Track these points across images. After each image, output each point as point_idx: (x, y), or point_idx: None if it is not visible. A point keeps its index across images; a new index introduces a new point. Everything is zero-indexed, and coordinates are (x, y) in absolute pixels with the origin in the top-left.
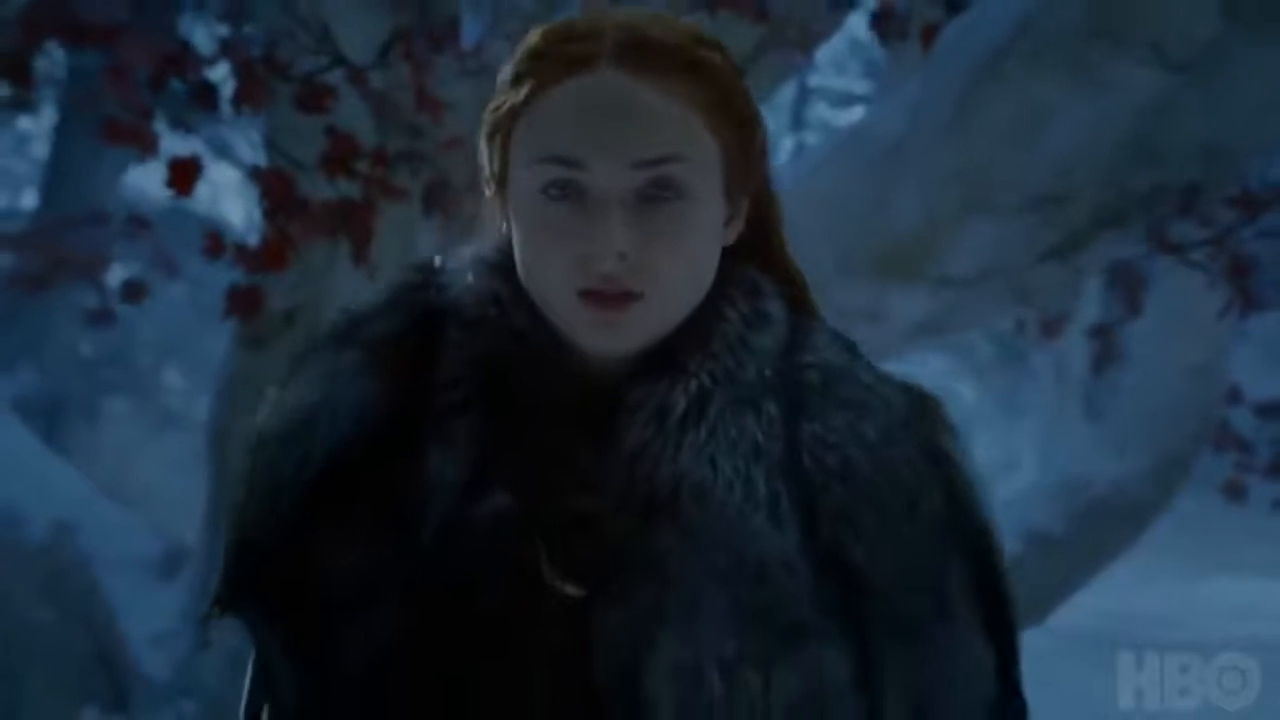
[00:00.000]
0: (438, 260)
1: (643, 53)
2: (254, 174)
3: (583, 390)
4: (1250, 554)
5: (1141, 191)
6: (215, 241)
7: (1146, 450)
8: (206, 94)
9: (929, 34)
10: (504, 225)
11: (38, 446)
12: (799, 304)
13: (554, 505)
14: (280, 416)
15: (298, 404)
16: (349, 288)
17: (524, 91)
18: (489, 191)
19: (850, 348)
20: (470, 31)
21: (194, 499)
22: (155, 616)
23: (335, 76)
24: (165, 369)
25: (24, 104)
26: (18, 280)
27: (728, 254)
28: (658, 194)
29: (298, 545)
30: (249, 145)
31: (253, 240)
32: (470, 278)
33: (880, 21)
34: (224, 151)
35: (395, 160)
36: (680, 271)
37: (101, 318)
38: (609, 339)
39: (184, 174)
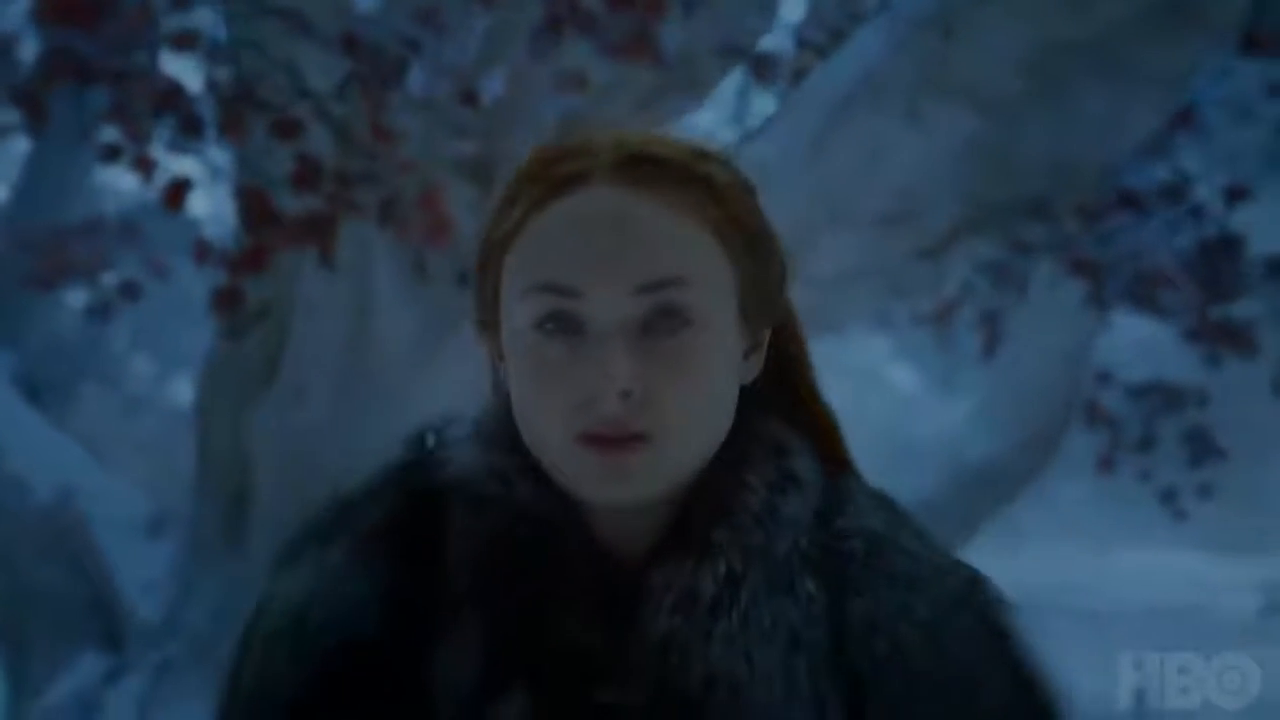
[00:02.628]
0: (431, 437)
1: (641, 165)
2: (237, 193)
3: (599, 570)
4: (1152, 529)
5: (997, 201)
6: (203, 249)
7: (1017, 427)
8: (195, 125)
9: (797, 77)
10: (499, 369)
11: (39, 419)
12: (831, 457)
13: (576, 703)
14: (268, 618)
15: (286, 604)
16: (314, 286)
17: (514, 217)
18: (481, 333)
19: (891, 508)
20: (416, 75)
21: (162, 474)
22: (145, 569)
23: (303, 110)
24: (134, 357)
25: (34, 131)
26: (29, 281)
27: (749, 402)
28: (664, 322)
29: None
30: (225, 165)
31: (232, 246)
32: (470, 453)
33: (760, 67)
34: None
35: (354, 180)
36: (693, 409)
37: (100, 313)
38: (615, 488)
39: (176, 193)
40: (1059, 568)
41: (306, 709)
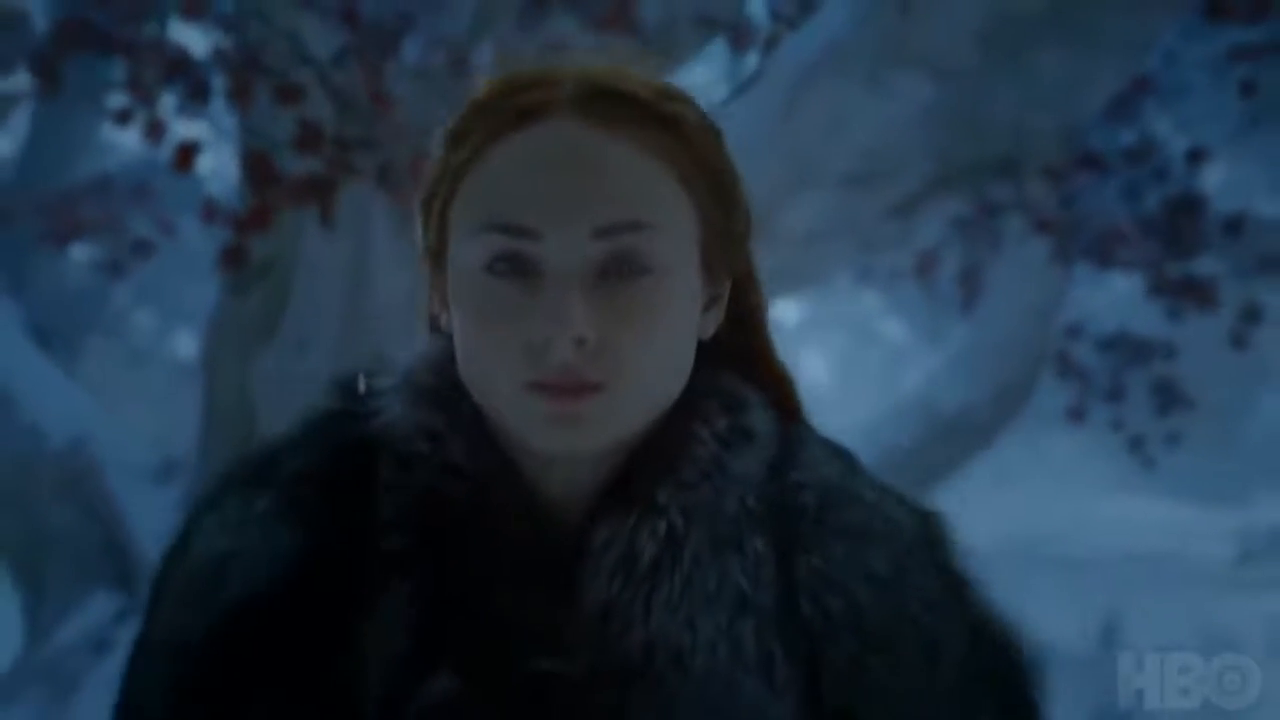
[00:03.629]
0: (363, 383)
1: (606, 101)
2: (242, 156)
3: (537, 533)
4: (1126, 478)
5: (964, 162)
6: (210, 208)
7: (989, 378)
8: (202, 91)
9: (770, 46)
10: (443, 312)
11: (51, 369)
12: (787, 410)
13: (511, 677)
14: (182, 570)
15: (203, 555)
16: (314, 244)
17: (465, 149)
18: (424, 270)
19: (847, 459)
20: (411, 45)
21: (166, 424)
22: (154, 513)
23: (305, 77)
24: (138, 311)
25: (48, 97)
26: (43, 238)
27: (704, 355)
28: (624, 268)
29: None
30: (229, 128)
31: (236, 206)
32: (398, 405)
33: (737, 37)
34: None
35: (353, 145)
36: (650, 359)
37: (111, 269)
38: (566, 437)
39: (185, 155)
40: (1036, 517)
41: (218, 667)
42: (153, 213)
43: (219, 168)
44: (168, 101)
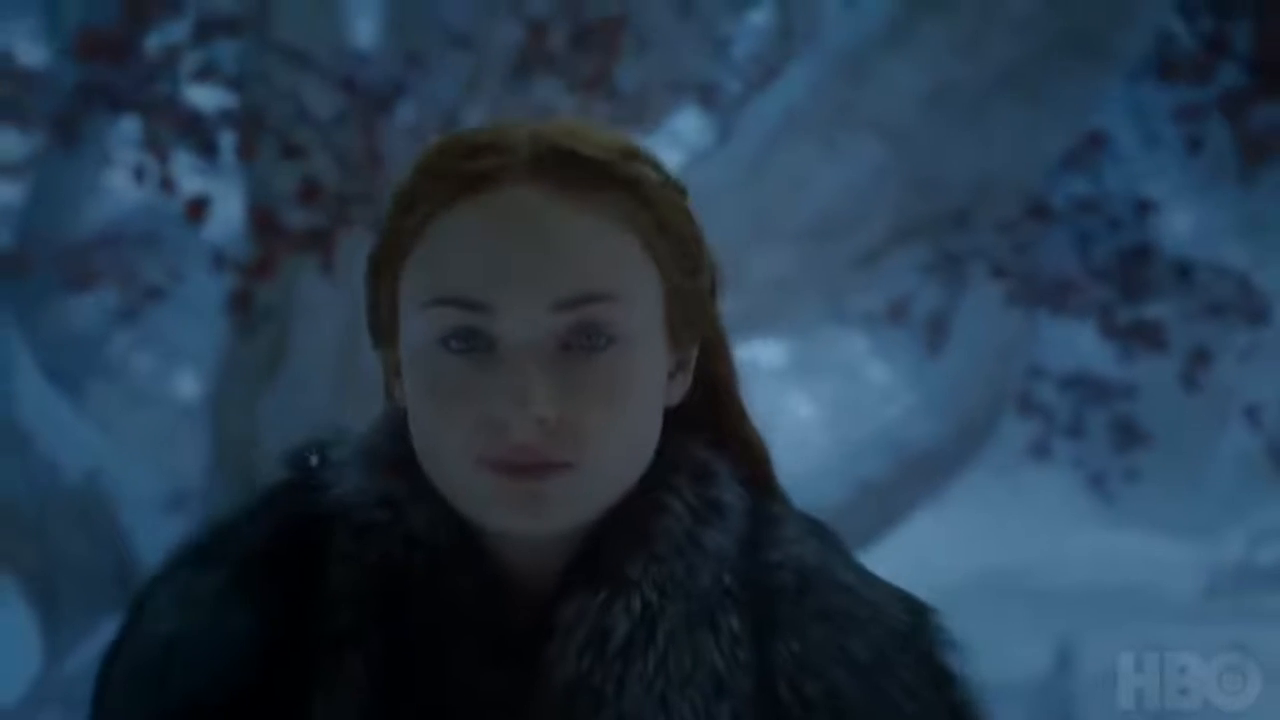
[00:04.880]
0: (315, 457)
1: (562, 164)
2: (249, 209)
3: (499, 608)
4: (1091, 513)
5: (921, 216)
6: (218, 258)
7: (953, 416)
8: (212, 149)
9: (737, 108)
10: (396, 383)
11: (65, 407)
12: (759, 482)
13: None
14: (127, 654)
15: (149, 639)
16: (314, 290)
17: (414, 217)
18: (375, 346)
19: (825, 538)
20: (405, 107)
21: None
22: (164, 541)
23: (306, 136)
24: (138, 354)
25: (68, 149)
26: (63, 286)
27: (671, 424)
28: (586, 340)
29: None
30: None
31: (241, 255)
32: (355, 475)
33: (705, 100)
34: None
35: (351, 199)
36: (617, 435)
37: (127, 316)
38: (528, 519)
39: (197, 209)
40: (1003, 550)
41: None
42: (163, 261)
43: (222, 219)
44: (178, 157)
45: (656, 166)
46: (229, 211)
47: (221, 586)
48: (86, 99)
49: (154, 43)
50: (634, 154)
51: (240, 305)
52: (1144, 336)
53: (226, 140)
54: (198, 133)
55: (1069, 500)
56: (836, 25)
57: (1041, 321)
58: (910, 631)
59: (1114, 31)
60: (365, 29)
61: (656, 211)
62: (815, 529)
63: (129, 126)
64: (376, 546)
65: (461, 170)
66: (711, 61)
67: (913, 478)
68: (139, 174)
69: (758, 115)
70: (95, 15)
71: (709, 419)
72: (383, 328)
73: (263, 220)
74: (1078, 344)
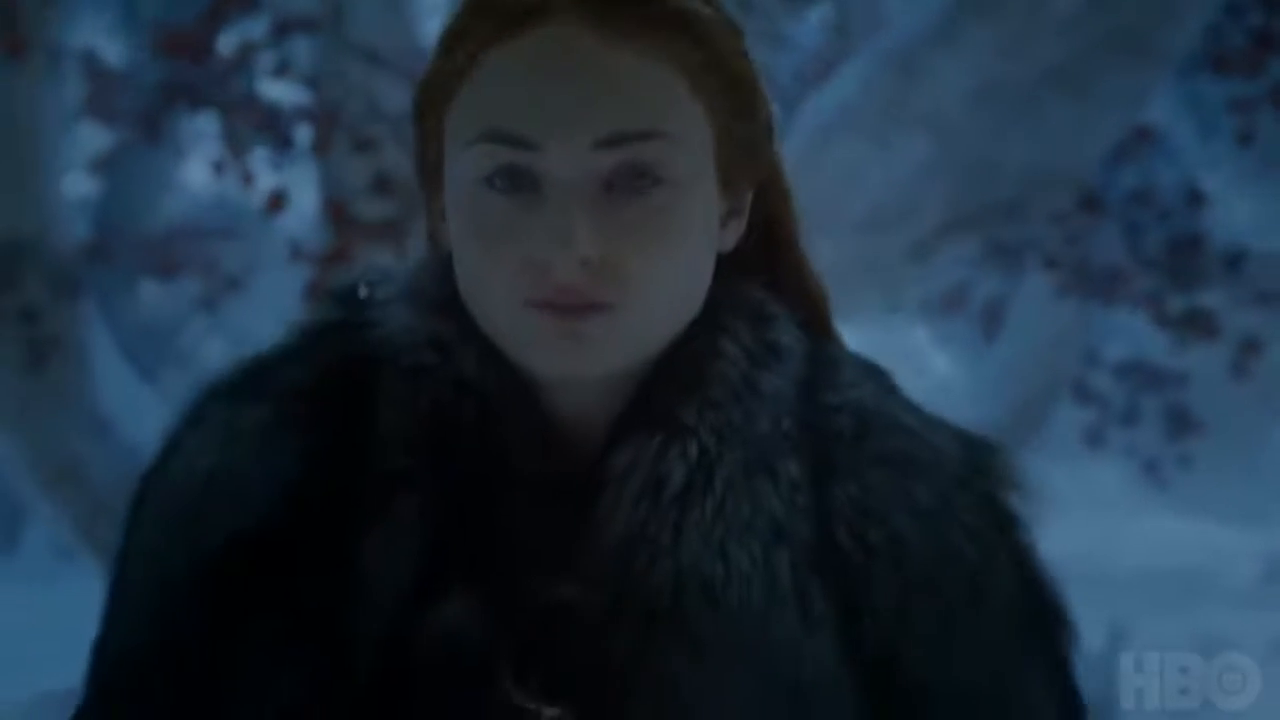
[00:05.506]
0: (364, 289)
1: (611, 1)
2: (325, 201)
3: (553, 454)
4: (1148, 500)
5: (973, 209)
6: (295, 249)
7: (1007, 403)
8: (288, 143)
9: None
10: (441, 226)
11: (148, 393)
12: (818, 326)
13: (528, 605)
14: (164, 489)
15: (187, 473)
16: None
17: (460, 55)
18: (422, 188)
19: (884, 380)
20: None
21: None
22: None
23: (378, 130)
24: (207, 344)
25: (152, 144)
26: (148, 272)
27: (726, 265)
28: (632, 181)
29: (191, 664)
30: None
31: (318, 246)
32: (403, 313)
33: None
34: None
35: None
36: (661, 279)
37: (207, 304)
38: (570, 360)
39: (277, 201)
40: (1062, 536)
41: (205, 604)
42: (239, 252)
43: (296, 211)
44: (254, 151)
45: (712, 3)
46: (303, 204)
47: (266, 421)
48: (169, 96)
49: (231, 41)
50: None
51: (317, 295)
52: (1195, 325)
53: (302, 135)
54: (274, 128)
55: (1124, 487)
56: (888, 24)
57: (1096, 310)
58: (972, 472)
59: (1160, 29)
60: (434, 28)
61: (708, 50)
62: (873, 372)
63: (204, 121)
64: (427, 391)
65: (507, 6)
66: (770, 57)
67: None
68: (218, 168)
69: (813, 111)
70: (171, 12)
71: (765, 263)
72: (428, 170)
73: (337, 212)
74: (1132, 333)
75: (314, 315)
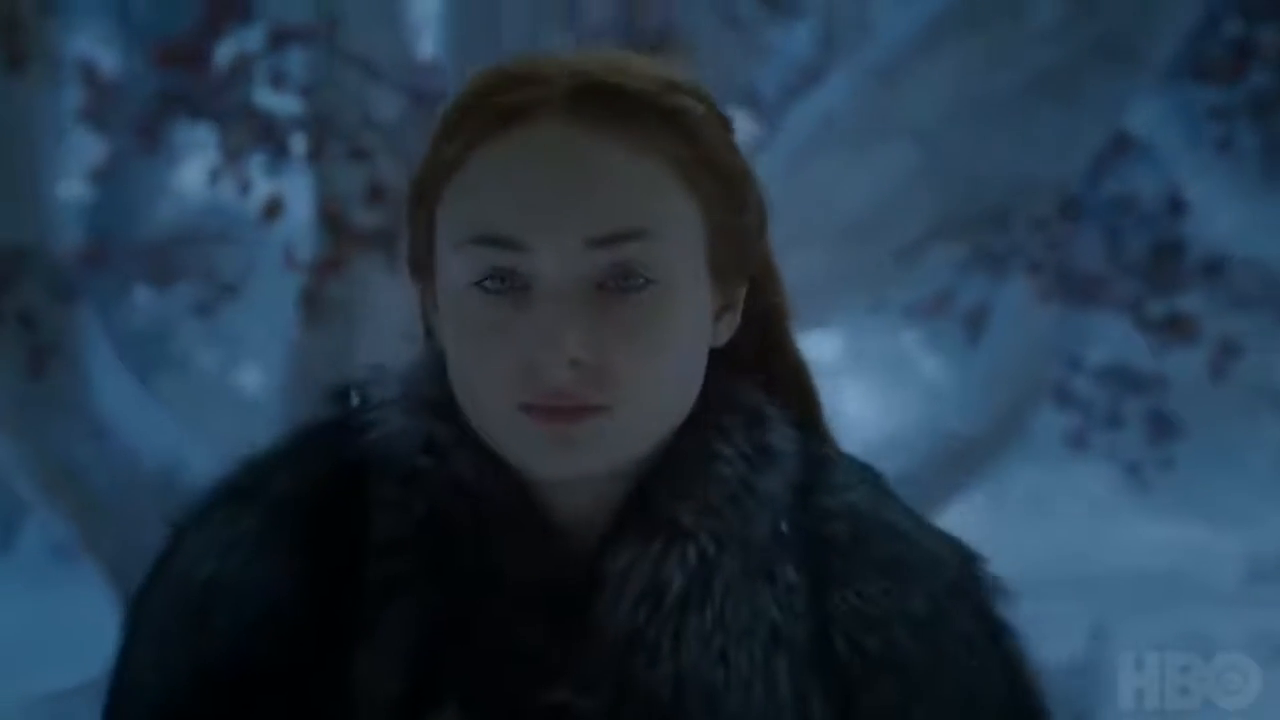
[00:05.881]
0: (356, 395)
1: (601, 98)
2: (319, 209)
3: (549, 553)
4: (1130, 502)
5: (956, 216)
6: (291, 257)
7: (989, 406)
8: (283, 151)
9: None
10: (433, 321)
11: (146, 398)
12: (810, 427)
13: (524, 711)
14: (162, 597)
15: (186, 581)
16: (381, 287)
17: (451, 151)
18: (414, 281)
19: (876, 483)
20: None
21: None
22: None
23: (372, 140)
24: (201, 350)
25: (150, 154)
26: (145, 278)
27: (719, 361)
28: (623, 280)
29: None
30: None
31: (309, 255)
32: (398, 416)
33: (751, 105)
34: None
35: None
36: (653, 380)
37: (204, 310)
38: (564, 461)
39: (273, 209)
40: (1044, 539)
41: (203, 702)
42: (234, 259)
43: (290, 219)
44: (252, 160)
45: (701, 98)
46: (298, 211)
47: (261, 528)
48: (166, 105)
49: (228, 51)
50: (677, 86)
51: (310, 301)
52: (1175, 330)
53: (297, 143)
54: (270, 137)
55: (1108, 489)
56: (872, 35)
57: (1079, 315)
58: (964, 581)
59: (1141, 37)
60: (428, 41)
61: (699, 146)
62: (866, 474)
63: (200, 129)
64: (423, 495)
65: (497, 104)
66: (756, 68)
67: (950, 466)
68: (214, 176)
69: (798, 120)
70: (168, 23)
71: (759, 358)
72: (420, 261)
73: (332, 220)
74: (1115, 337)
75: (310, 419)
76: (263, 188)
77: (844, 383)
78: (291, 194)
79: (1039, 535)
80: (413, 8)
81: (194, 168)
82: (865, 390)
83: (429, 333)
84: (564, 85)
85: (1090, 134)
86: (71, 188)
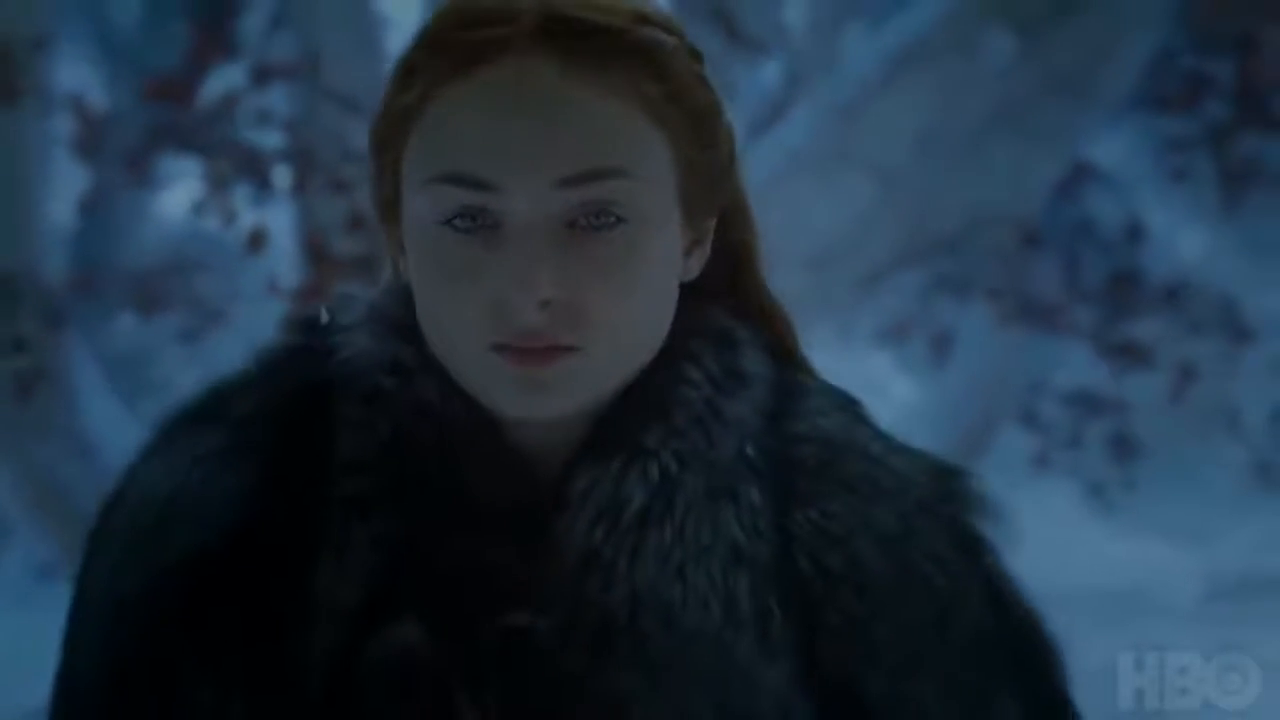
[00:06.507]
0: (325, 315)
1: (570, 34)
2: (304, 239)
3: (511, 479)
4: (1091, 522)
5: (915, 245)
6: (274, 285)
7: (954, 428)
8: (267, 183)
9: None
10: (400, 259)
11: (134, 422)
12: (783, 354)
13: (480, 630)
14: (122, 514)
15: (144, 500)
16: None
17: (415, 90)
18: (381, 221)
19: (851, 409)
20: None
21: None
22: None
23: (352, 172)
24: (183, 372)
25: (139, 185)
26: (131, 305)
27: (689, 291)
28: (594, 220)
29: (142, 686)
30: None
31: (293, 283)
32: (364, 339)
33: None
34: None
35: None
36: (626, 318)
37: (191, 337)
38: (533, 402)
39: (257, 239)
40: (1010, 555)
41: (160, 626)
42: (218, 286)
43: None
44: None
45: (671, 29)
46: (281, 240)
47: (224, 445)
48: (154, 138)
49: (214, 87)
50: (646, 18)
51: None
52: (1133, 355)
53: (280, 176)
54: (254, 169)
55: (1071, 510)
56: (831, 74)
57: (1042, 339)
58: (938, 498)
59: (1095, 71)
60: None
61: (670, 81)
62: (843, 402)
63: (187, 161)
64: (387, 415)
65: (463, 41)
66: (726, 103)
67: None
68: (200, 207)
69: (763, 153)
70: (153, 55)
71: (728, 289)
72: (386, 204)
73: (315, 250)
74: (1076, 361)
75: (277, 342)
76: (247, 218)
77: None
78: (274, 224)
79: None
80: (391, 41)
81: (178, 197)
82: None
83: (394, 272)
84: (530, 21)
85: (1045, 166)
86: (62, 217)
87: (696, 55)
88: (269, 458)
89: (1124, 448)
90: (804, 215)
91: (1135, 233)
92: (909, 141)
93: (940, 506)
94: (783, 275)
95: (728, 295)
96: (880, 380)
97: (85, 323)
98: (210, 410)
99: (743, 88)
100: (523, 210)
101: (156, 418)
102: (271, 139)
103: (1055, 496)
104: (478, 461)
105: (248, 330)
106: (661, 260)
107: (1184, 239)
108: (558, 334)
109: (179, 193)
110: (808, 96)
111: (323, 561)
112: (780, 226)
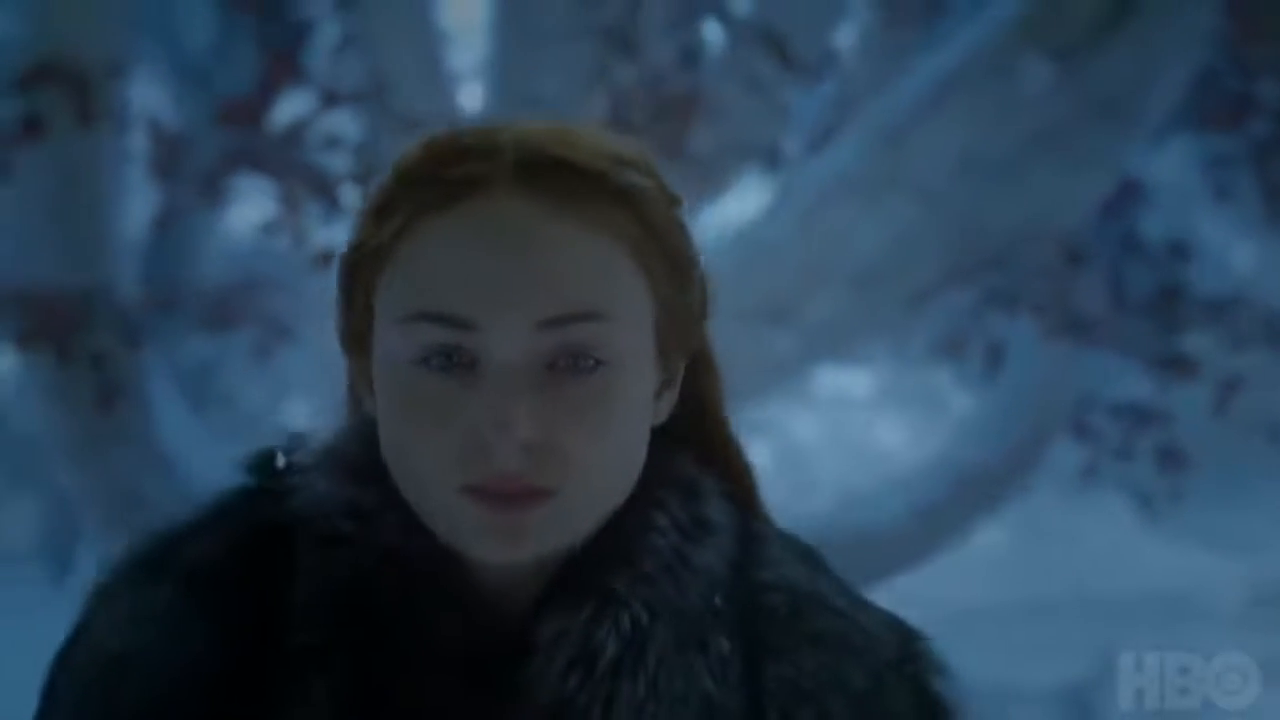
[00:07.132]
0: (280, 458)
1: (552, 173)
2: None
3: (477, 620)
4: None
5: (962, 264)
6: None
7: (1005, 441)
8: (335, 204)
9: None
10: (367, 396)
11: (205, 433)
12: (744, 500)
13: None
14: (74, 671)
15: (96, 658)
16: None
17: (392, 225)
18: (346, 355)
19: (812, 560)
20: None
21: None
22: None
23: None
24: (248, 385)
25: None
26: (204, 322)
27: (656, 437)
28: (573, 361)
29: None
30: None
31: None
32: (321, 481)
33: (770, 162)
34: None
35: None
36: (602, 461)
37: (262, 353)
38: (507, 547)
39: (327, 259)
40: (1057, 567)
41: None
42: (290, 304)
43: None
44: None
45: (652, 175)
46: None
47: (172, 600)
48: (228, 160)
49: (285, 110)
50: (626, 161)
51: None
52: (1180, 368)
53: (348, 195)
54: (323, 190)
55: (1120, 519)
56: (878, 97)
57: (1090, 353)
58: (903, 658)
59: (1136, 93)
60: (470, 99)
61: (649, 225)
62: (802, 550)
63: (258, 181)
64: (344, 560)
65: (442, 177)
66: (776, 128)
67: (966, 499)
68: (271, 228)
69: (811, 176)
70: (226, 79)
71: (693, 434)
72: (354, 336)
73: None
74: (1124, 375)
75: (231, 485)
76: (316, 238)
77: (876, 417)
78: (341, 243)
79: (1055, 560)
80: (454, 61)
81: (248, 216)
82: (896, 424)
83: (357, 406)
84: (511, 158)
85: (1087, 186)
86: (133, 234)
87: (674, 199)
88: (219, 613)
89: (1172, 459)
90: (852, 233)
91: (1181, 248)
92: (952, 164)
93: (905, 667)
94: (830, 293)
95: (691, 443)
96: (940, 394)
97: (159, 338)
98: (159, 560)
99: (795, 110)
100: (501, 350)
101: (197, 497)
102: (339, 161)
103: (1105, 506)
104: (441, 603)
105: (310, 345)
106: (637, 402)
107: (1229, 254)
108: (535, 477)
109: (248, 212)
110: (856, 121)
111: (281, 717)
112: (827, 245)
